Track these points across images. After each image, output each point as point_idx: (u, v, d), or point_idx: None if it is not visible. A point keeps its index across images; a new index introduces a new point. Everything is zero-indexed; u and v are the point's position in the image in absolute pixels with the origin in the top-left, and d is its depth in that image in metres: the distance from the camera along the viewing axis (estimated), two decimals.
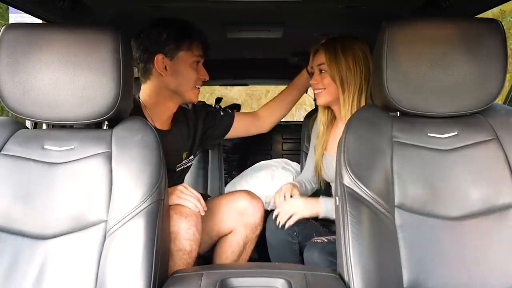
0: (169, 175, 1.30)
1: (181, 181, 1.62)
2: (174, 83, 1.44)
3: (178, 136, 1.53)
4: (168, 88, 1.44)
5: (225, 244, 1.54)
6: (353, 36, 1.53)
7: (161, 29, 1.42)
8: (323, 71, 1.52)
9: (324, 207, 1.47)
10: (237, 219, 1.52)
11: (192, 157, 1.60)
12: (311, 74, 1.62)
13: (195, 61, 1.45)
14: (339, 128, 1.59)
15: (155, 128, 1.40)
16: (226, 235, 1.55)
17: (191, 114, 1.61)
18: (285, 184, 1.62)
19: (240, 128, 1.70)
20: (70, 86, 1.04)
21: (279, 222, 1.50)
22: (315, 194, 1.75)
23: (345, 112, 1.49)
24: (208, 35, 1.47)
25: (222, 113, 1.68)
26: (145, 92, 1.47)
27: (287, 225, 1.49)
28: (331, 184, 1.68)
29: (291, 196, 1.54)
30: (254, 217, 1.52)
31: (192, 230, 1.29)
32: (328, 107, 1.61)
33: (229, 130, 1.68)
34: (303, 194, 1.64)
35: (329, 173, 1.63)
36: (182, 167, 1.56)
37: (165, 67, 1.42)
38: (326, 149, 1.63)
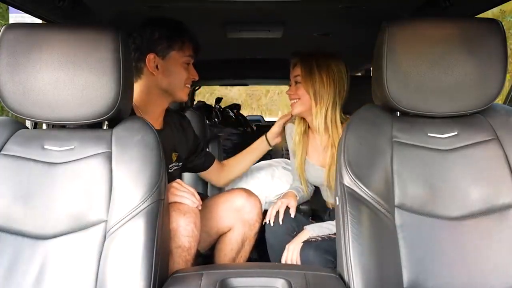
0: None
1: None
2: (165, 82, 1.45)
3: (170, 137, 1.54)
4: (159, 87, 1.45)
5: (224, 241, 1.56)
6: (330, 53, 1.58)
7: (154, 28, 1.43)
8: (298, 83, 1.60)
9: (311, 230, 1.49)
10: (235, 217, 1.54)
11: (181, 163, 1.60)
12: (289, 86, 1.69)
13: (186, 61, 1.47)
14: (316, 138, 1.66)
15: None
16: (225, 233, 1.57)
17: (188, 123, 1.67)
18: (283, 198, 1.62)
19: (208, 172, 1.78)
20: (70, 86, 1.04)
21: (278, 219, 1.53)
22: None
23: (317, 124, 1.57)
24: (197, 36, 1.49)
25: (208, 150, 1.80)
26: (136, 91, 1.45)
27: (292, 214, 1.53)
28: (319, 187, 1.72)
29: (288, 208, 1.57)
30: (252, 214, 1.54)
31: (191, 227, 1.29)
32: (302, 118, 1.67)
33: (206, 169, 1.76)
34: (300, 200, 1.69)
35: (311, 178, 1.69)
36: (173, 168, 1.56)
37: (157, 66, 1.43)
38: (308, 155, 1.69)
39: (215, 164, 1.77)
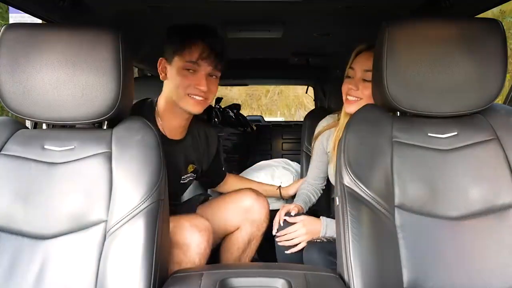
0: (172, 185, 1.36)
1: (182, 191, 1.65)
2: (169, 89, 1.41)
3: (188, 149, 1.52)
4: (169, 95, 1.41)
5: (231, 240, 1.57)
6: None
7: (168, 31, 1.40)
8: (367, 80, 1.38)
9: (325, 224, 1.47)
10: (243, 216, 1.54)
11: (196, 175, 1.61)
12: (346, 77, 1.48)
13: (186, 67, 1.36)
14: None
15: (164, 136, 1.43)
16: (232, 232, 1.58)
17: (214, 139, 1.64)
18: (288, 206, 1.56)
19: (223, 186, 1.83)
20: (70, 86, 1.04)
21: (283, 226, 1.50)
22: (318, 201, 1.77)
23: None
24: (222, 42, 1.38)
25: (223, 169, 1.82)
26: (161, 97, 1.45)
27: (295, 250, 1.48)
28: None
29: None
30: (260, 214, 1.55)
31: (204, 245, 1.30)
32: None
33: (213, 187, 1.84)
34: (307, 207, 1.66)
35: None
36: (188, 179, 1.56)
37: (166, 71, 1.41)
38: None
39: (223, 181, 1.81)
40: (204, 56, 1.35)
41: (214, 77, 1.40)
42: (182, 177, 1.52)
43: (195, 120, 1.54)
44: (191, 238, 1.27)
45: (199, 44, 1.35)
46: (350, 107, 1.43)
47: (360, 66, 1.42)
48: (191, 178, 1.57)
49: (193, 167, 1.55)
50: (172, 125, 1.45)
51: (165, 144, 1.35)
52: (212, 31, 1.39)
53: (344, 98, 1.46)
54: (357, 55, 1.45)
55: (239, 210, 1.55)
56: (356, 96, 1.41)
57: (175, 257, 1.27)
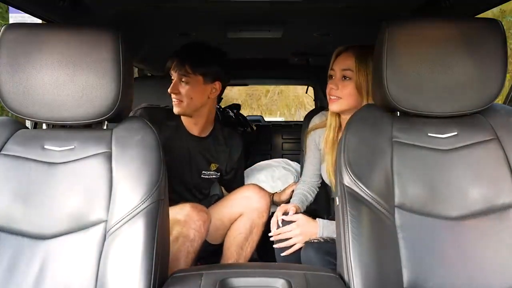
0: (195, 180, 1.74)
1: (205, 185, 1.83)
2: None
3: (209, 148, 1.77)
4: None
5: (234, 226, 1.70)
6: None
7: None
8: (346, 78, 1.46)
9: (321, 225, 1.47)
10: (245, 204, 1.69)
11: (219, 174, 1.81)
12: (329, 78, 1.53)
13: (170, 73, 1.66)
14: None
15: (187, 131, 1.73)
16: (236, 219, 1.71)
17: (236, 144, 1.84)
18: (285, 206, 1.56)
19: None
20: (70, 86, 1.04)
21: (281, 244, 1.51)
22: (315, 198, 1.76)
23: None
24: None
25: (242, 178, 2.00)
26: None
27: (290, 251, 1.48)
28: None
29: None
30: (260, 203, 1.68)
31: (200, 223, 1.49)
32: (337, 113, 1.55)
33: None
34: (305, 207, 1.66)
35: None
36: (211, 176, 1.78)
37: None
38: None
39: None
40: (172, 67, 1.65)
41: (183, 81, 1.63)
42: (204, 172, 1.76)
43: (222, 126, 1.83)
44: (189, 215, 1.49)
45: (172, 56, 1.67)
46: (333, 105, 1.51)
47: (339, 66, 1.48)
48: (215, 176, 1.79)
49: (216, 166, 1.79)
50: (187, 121, 1.73)
51: (187, 138, 1.74)
52: (185, 47, 1.66)
53: (328, 97, 1.54)
54: (337, 56, 1.51)
55: (241, 198, 1.71)
56: (336, 95, 1.48)
57: (174, 231, 1.47)
